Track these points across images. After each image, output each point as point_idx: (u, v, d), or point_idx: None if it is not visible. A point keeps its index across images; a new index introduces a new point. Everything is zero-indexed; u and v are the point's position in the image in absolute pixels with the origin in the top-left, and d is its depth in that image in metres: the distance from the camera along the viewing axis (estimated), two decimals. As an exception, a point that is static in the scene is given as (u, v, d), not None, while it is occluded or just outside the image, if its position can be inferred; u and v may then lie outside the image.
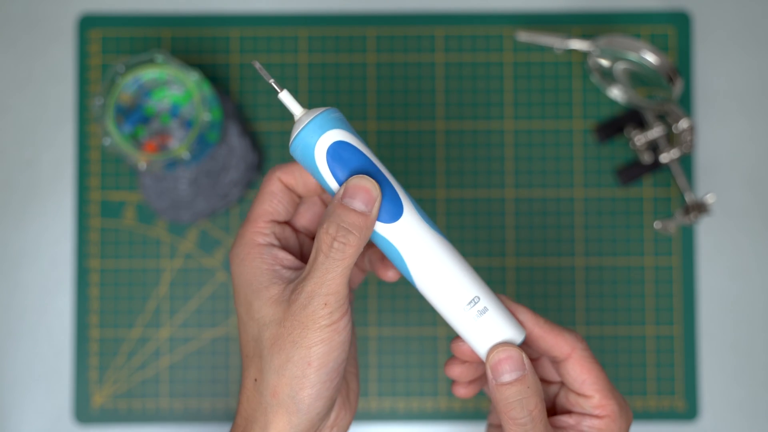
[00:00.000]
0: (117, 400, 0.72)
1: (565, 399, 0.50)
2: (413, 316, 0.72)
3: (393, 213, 0.45)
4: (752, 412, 0.72)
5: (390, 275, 0.51)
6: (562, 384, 0.50)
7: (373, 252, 0.52)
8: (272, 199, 0.48)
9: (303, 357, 0.44)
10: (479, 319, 0.46)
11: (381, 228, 0.46)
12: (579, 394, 0.48)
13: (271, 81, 0.46)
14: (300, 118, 0.46)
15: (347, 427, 0.50)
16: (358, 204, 0.44)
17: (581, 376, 0.48)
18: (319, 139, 0.45)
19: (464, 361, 0.50)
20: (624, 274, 0.72)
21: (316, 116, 0.45)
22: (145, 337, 0.72)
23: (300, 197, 0.49)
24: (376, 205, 0.44)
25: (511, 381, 0.45)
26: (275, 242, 0.48)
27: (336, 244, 0.44)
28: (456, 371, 0.50)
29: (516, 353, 0.45)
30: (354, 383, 0.51)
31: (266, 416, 0.45)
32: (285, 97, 0.46)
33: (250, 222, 0.48)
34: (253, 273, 0.46)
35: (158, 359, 0.72)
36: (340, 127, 0.45)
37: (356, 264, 0.52)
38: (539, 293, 0.72)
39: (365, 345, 0.72)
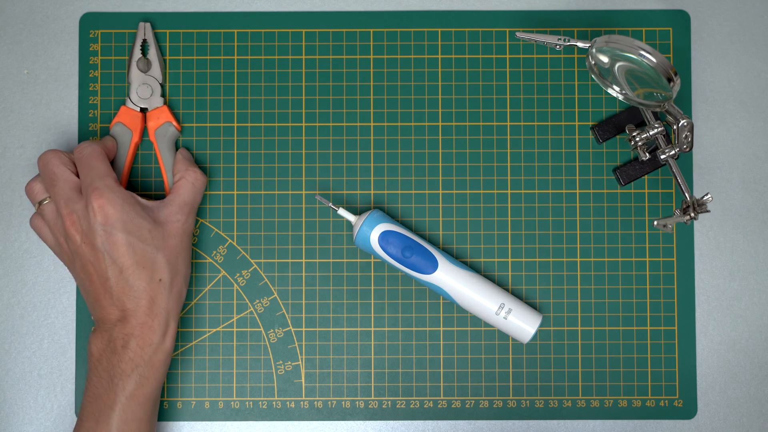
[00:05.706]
0: (120, 398, 0.72)
1: None
2: (414, 315, 0.73)
3: (431, 267, 0.69)
4: (750, 409, 0.73)
5: None
6: None
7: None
8: (107, 157, 0.68)
9: (186, 249, 0.68)
10: (505, 321, 0.70)
11: (425, 277, 0.69)
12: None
13: (330, 205, 0.68)
14: (355, 222, 0.69)
15: None
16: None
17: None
18: (372, 231, 0.68)
19: None
20: (623, 272, 0.73)
21: (366, 218, 0.69)
22: (148, 335, 0.73)
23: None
24: None
25: None
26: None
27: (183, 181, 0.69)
28: None
29: None
30: None
31: (169, 305, 0.65)
32: (343, 211, 0.69)
33: (107, 176, 0.65)
34: (133, 205, 0.65)
35: (160, 357, 0.72)
36: (384, 221, 0.69)
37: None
38: (539, 292, 0.73)
39: (365, 344, 0.72)
